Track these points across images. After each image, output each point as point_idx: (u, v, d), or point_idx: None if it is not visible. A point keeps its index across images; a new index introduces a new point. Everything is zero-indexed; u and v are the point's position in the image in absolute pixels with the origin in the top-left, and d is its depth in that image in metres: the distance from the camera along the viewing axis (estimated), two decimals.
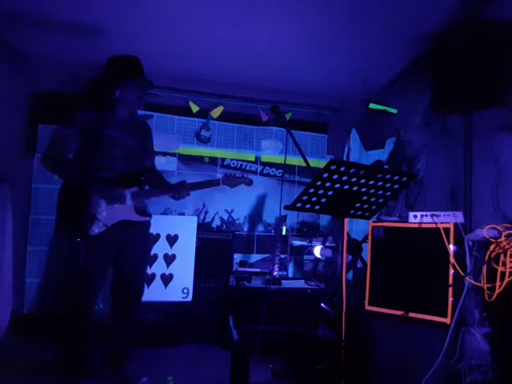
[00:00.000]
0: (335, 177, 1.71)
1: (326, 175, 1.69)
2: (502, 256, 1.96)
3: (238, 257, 4.10)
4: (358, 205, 1.90)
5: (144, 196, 2.53)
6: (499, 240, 1.99)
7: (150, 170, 2.60)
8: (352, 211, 1.93)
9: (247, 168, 4.37)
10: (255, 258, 4.28)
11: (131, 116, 2.57)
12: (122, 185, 2.41)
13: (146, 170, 2.56)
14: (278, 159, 4.41)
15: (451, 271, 2.15)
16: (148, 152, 2.64)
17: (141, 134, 2.59)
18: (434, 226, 2.24)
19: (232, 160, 4.33)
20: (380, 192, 1.86)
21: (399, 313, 2.29)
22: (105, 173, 2.39)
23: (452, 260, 2.14)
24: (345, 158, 3.10)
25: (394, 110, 3.07)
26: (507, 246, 1.94)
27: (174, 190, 2.50)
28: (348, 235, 2.91)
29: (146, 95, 2.58)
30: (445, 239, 2.16)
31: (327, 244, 3.89)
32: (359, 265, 2.96)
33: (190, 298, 3.33)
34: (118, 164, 2.44)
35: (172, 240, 3.40)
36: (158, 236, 3.34)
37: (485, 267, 2.02)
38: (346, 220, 2.20)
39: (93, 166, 2.36)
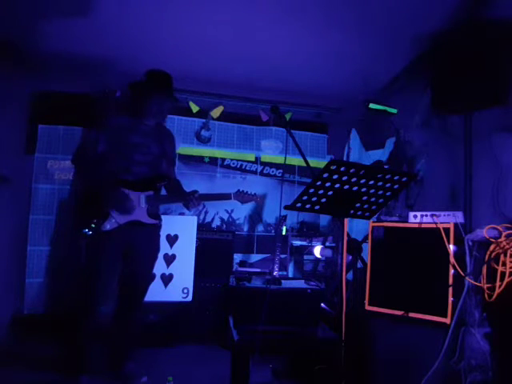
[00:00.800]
0: (335, 177, 1.71)
1: (326, 175, 1.69)
2: (501, 256, 1.96)
3: (237, 257, 4.10)
4: (358, 205, 1.90)
5: (157, 201, 2.64)
6: (499, 240, 1.99)
7: (167, 178, 2.69)
8: (352, 211, 1.93)
9: (247, 168, 4.36)
10: (255, 257, 4.27)
11: (157, 126, 2.69)
12: (139, 188, 2.53)
13: (163, 177, 2.66)
14: (278, 159, 4.41)
15: (451, 271, 2.15)
16: (168, 160, 2.74)
17: (164, 142, 2.71)
18: (434, 226, 2.24)
19: (232, 160, 4.33)
20: (380, 192, 1.86)
21: (399, 313, 2.29)
22: (124, 175, 2.51)
23: (452, 260, 2.14)
24: (345, 158, 3.11)
25: (394, 110, 3.08)
26: (507, 246, 1.94)
27: (186, 200, 2.60)
28: (348, 235, 2.91)
29: (170, 107, 2.70)
30: (445, 239, 2.16)
31: (327, 244, 3.90)
32: (359, 265, 2.96)
33: (189, 298, 3.33)
34: (138, 169, 2.55)
35: (172, 240, 3.40)
36: None
37: (485, 267, 2.02)
38: (346, 220, 2.20)
39: (114, 168, 2.50)
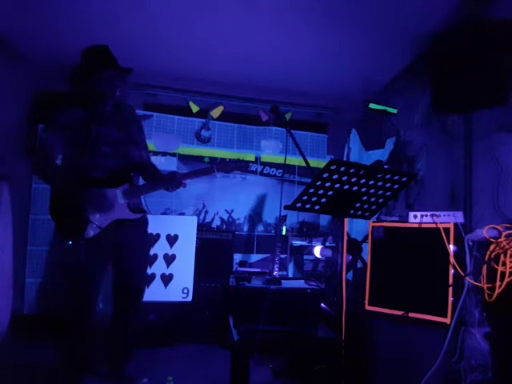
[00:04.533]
0: (335, 177, 1.71)
1: (326, 175, 1.69)
2: (502, 256, 1.96)
3: (237, 257, 4.10)
4: (358, 205, 1.90)
5: (136, 192, 2.43)
6: (499, 240, 1.99)
7: (140, 165, 2.50)
8: (352, 211, 1.93)
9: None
10: (255, 257, 4.27)
11: (116, 109, 2.46)
12: (112, 184, 2.34)
13: (136, 166, 2.47)
14: (278, 159, 4.41)
15: (451, 271, 2.15)
16: (137, 145, 2.51)
17: (128, 126, 2.47)
18: (434, 226, 2.24)
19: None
20: (380, 192, 1.86)
21: (399, 313, 2.29)
22: (94, 173, 2.33)
23: (452, 260, 2.14)
24: (345, 158, 3.10)
25: (394, 110, 3.08)
26: (507, 246, 1.94)
27: (165, 183, 2.39)
28: (348, 235, 2.91)
29: (123, 84, 2.44)
30: (445, 239, 2.16)
31: (327, 244, 3.89)
32: (359, 265, 2.96)
33: (189, 298, 3.33)
34: (107, 162, 2.37)
35: (172, 240, 3.39)
36: (158, 236, 3.34)
37: (485, 267, 2.02)
38: (346, 220, 2.20)
39: (82, 167, 2.31)
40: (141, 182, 2.60)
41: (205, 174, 2.49)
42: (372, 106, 2.99)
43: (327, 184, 1.73)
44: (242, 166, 2.56)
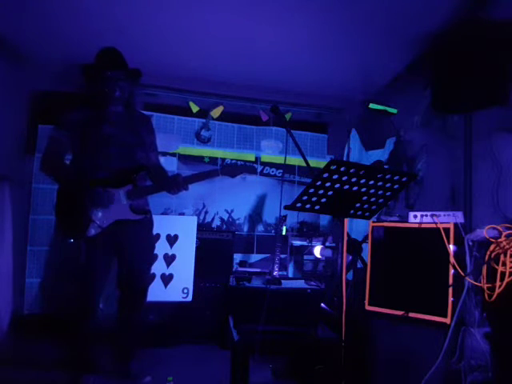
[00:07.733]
0: (335, 177, 1.71)
1: (326, 175, 1.69)
2: (501, 256, 1.95)
3: (237, 257, 4.10)
4: (358, 205, 1.90)
5: (139, 194, 2.44)
6: (499, 240, 1.99)
7: (146, 167, 2.50)
8: (352, 211, 1.93)
9: None
10: (255, 257, 4.27)
11: (128, 111, 2.50)
12: (115, 184, 2.36)
13: (141, 167, 2.47)
14: (278, 159, 4.41)
15: (451, 271, 2.15)
16: (145, 147, 2.52)
17: (137, 128, 2.49)
18: (434, 226, 2.24)
19: (232, 160, 4.32)
20: (380, 192, 1.86)
21: (399, 313, 2.29)
22: (99, 173, 2.34)
23: (452, 260, 2.14)
24: (345, 158, 3.11)
25: (394, 110, 3.08)
26: (507, 246, 1.94)
27: (167, 186, 2.38)
28: (348, 235, 2.91)
29: (135, 86, 2.50)
30: (445, 239, 2.16)
31: (327, 244, 3.90)
32: (359, 265, 2.96)
33: (189, 298, 3.33)
34: (113, 163, 2.38)
35: (172, 240, 3.39)
36: (158, 236, 3.34)
37: (485, 267, 2.02)
38: (346, 220, 2.20)
39: (88, 166, 2.34)
40: (149, 183, 2.60)
41: (209, 177, 2.46)
42: (372, 105, 2.99)
43: (327, 184, 1.73)
44: (248, 169, 2.52)
